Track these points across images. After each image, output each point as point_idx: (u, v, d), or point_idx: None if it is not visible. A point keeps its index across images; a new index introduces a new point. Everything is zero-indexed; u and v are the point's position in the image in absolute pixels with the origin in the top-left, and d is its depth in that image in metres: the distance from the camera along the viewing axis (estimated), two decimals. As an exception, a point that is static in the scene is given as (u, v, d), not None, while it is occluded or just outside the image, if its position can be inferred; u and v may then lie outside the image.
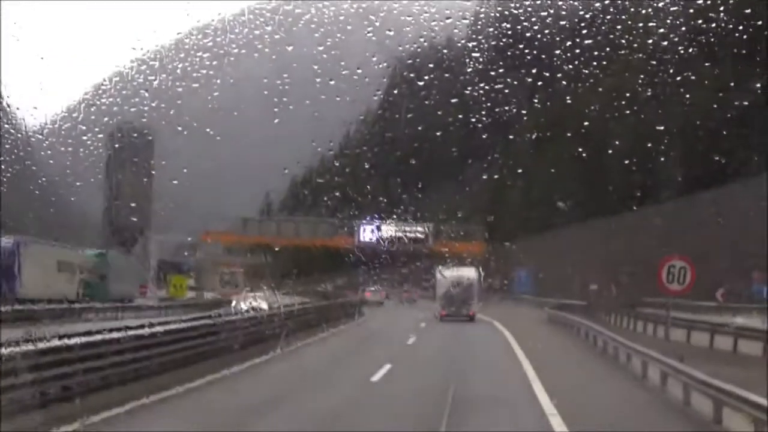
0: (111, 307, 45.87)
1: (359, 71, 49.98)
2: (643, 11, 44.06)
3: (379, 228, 73.77)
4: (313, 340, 34.34)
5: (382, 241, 72.44)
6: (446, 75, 47.15)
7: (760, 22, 38.24)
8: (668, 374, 19.20)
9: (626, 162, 47.18)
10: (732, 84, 42.16)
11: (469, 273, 54.63)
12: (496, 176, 62.34)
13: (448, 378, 21.89)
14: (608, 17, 45.35)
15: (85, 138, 62.12)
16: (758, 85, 40.18)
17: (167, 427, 15.15)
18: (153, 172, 68.80)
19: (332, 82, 43.58)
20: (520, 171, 61.73)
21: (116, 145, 65.63)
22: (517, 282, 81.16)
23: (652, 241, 55.08)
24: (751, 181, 44.20)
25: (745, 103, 40.79)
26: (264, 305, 38.68)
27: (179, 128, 61.72)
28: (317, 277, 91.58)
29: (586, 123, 47.08)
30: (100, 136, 60.97)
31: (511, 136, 61.07)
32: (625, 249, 60.05)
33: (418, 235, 73.94)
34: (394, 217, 71.20)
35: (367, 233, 74.83)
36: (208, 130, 64.35)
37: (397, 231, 72.94)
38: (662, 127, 43.17)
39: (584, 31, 41.68)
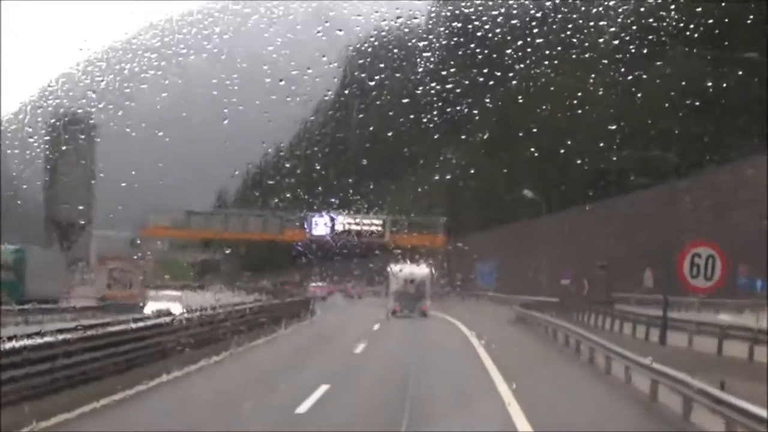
0: (33, 309, 41.61)
1: (309, 71, 49.36)
2: (594, 10, 43.92)
3: (332, 221, 71.60)
4: (238, 351, 27.72)
5: (336, 234, 70.48)
6: (397, 75, 46.78)
7: (710, 21, 38.23)
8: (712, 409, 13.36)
9: (578, 161, 47.13)
10: (683, 83, 42.17)
11: (421, 270, 54.72)
12: (448, 177, 62.24)
13: (398, 407, 16.48)
14: (559, 16, 45.26)
15: (31, 140, 61.19)
16: (709, 83, 40.17)
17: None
18: (101, 174, 67.85)
19: (282, 83, 42.97)
20: (472, 171, 61.50)
21: (62, 147, 63.93)
22: (479, 277, 79.42)
23: (613, 237, 56.29)
24: (705, 178, 44.35)
25: (696, 102, 40.79)
26: (177, 308, 35.73)
27: (127, 129, 60.95)
28: (273, 274, 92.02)
29: (538, 122, 46.96)
30: (47, 138, 60.07)
31: (463, 136, 60.95)
32: (589, 242, 59.30)
33: (374, 227, 72.71)
34: (348, 210, 68.57)
35: (320, 227, 72.08)
36: (157, 131, 63.48)
37: (351, 224, 71.74)
38: (614, 126, 43.07)
39: (536, 31, 41.47)
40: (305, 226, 72.35)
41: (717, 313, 41.01)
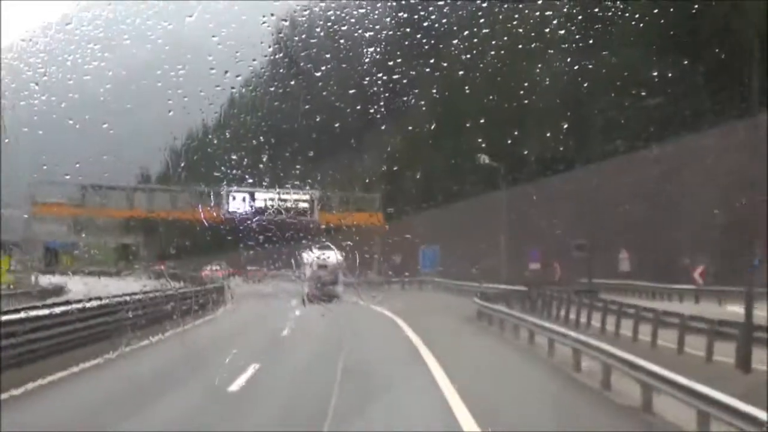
0: None
1: (254, 62, 49.11)
2: (540, 1, 44.04)
3: (251, 197, 65.12)
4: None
5: (255, 211, 63.16)
6: (344, 66, 46.55)
7: (656, 11, 38.45)
8: None
9: (525, 152, 47.28)
10: (626, 74, 42.41)
11: (335, 255, 56.15)
12: (395, 167, 62.23)
13: None
14: (505, 6, 45.28)
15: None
16: (654, 73, 40.43)
17: None
18: (44, 167, 66.81)
19: (228, 74, 42.57)
20: (418, 161, 61.70)
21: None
22: (422, 261, 71.34)
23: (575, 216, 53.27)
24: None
25: (643, 92, 41.04)
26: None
27: (71, 121, 60.07)
28: (199, 259, 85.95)
29: (485, 112, 46.97)
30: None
31: (410, 127, 60.83)
32: (550, 220, 53.71)
33: (301, 204, 66.39)
34: (269, 183, 60.64)
35: (236, 203, 65.31)
36: (101, 123, 62.74)
37: (273, 200, 64.30)
38: (565, 124, 43.26)
39: (482, 20, 41.47)
40: (220, 204, 65.11)
41: (720, 305, 36.41)
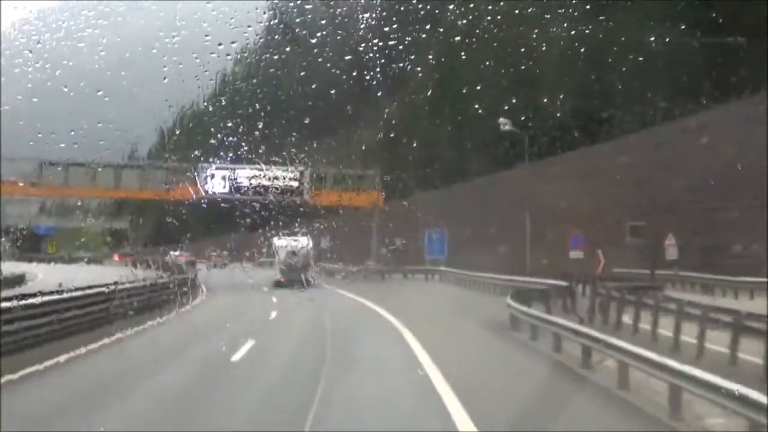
0: None
1: (250, 28, 48.87)
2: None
3: (232, 174, 58.65)
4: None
5: (237, 191, 58.09)
6: (339, 32, 46.22)
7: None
8: None
9: (522, 118, 47.00)
10: (623, 38, 42.12)
11: (305, 241, 57.76)
12: (391, 135, 61.38)
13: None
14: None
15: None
16: (652, 38, 40.15)
17: None
18: (39, 135, 66.53)
19: (221, 45, 42.29)
20: (414, 128, 61.09)
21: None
22: (427, 247, 61.81)
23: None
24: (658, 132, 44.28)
25: (640, 58, 40.76)
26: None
27: (65, 89, 59.77)
28: (189, 244, 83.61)
29: (482, 79, 46.71)
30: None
31: (407, 95, 60.42)
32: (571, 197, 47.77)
33: (290, 182, 58.34)
34: (262, 155, 52.83)
35: (216, 181, 58.95)
36: (96, 90, 62.50)
37: (259, 177, 57.84)
38: (557, 82, 43.00)
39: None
40: (196, 182, 58.70)
41: None
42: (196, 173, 58.96)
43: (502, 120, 46.47)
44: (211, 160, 58.12)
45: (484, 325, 28.45)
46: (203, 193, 58.21)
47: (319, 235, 66.46)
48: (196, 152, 59.45)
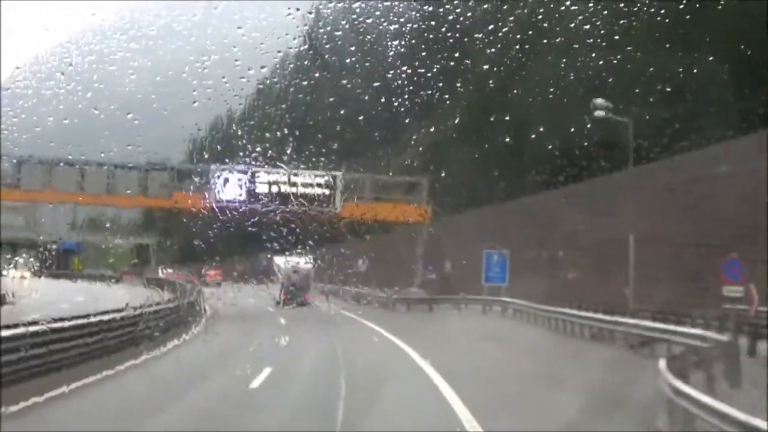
0: None
1: (280, 53, 49.35)
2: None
3: (252, 178, 50.07)
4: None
5: (256, 198, 49.52)
6: (368, 58, 46.62)
7: (681, 6, 38.23)
8: None
9: (549, 147, 47.07)
10: (651, 69, 42.19)
11: (306, 263, 56.41)
12: (416, 163, 60.53)
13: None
14: (530, 0, 45.22)
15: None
16: (680, 69, 40.17)
17: None
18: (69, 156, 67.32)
19: (251, 71, 42.86)
20: (444, 155, 60.80)
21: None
22: (486, 271, 50.98)
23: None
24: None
25: (668, 89, 40.79)
26: None
27: (95, 111, 60.45)
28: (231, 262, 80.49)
29: (509, 107, 46.88)
30: (15, 120, 59.63)
31: (434, 121, 60.48)
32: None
33: (319, 188, 51.07)
34: (276, 161, 46.87)
35: (229, 188, 50.21)
36: (127, 113, 63.25)
37: (281, 183, 50.39)
38: (586, 119, 42.97)
39: (507, 15, 41.46)
40: (208, 188, 50.27)
41: None
42: (208, 177, 51.49)
43: (599, 102, 38.96)
44: (226, 161, 52.56)
45: (606, 407, 16.48)
46: (214, 201, 48.91)
47: (355, 256, 60.42)
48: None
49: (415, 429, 14.83)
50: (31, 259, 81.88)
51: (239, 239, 67.51)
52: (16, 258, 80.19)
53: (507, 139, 47.99)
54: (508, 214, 55.25)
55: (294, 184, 50.87)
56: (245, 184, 50.74)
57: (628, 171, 41.13)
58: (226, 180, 50.59)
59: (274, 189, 50.88)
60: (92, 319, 23.70)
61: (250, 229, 48.67)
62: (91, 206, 67.33)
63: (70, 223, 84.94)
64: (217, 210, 47.32)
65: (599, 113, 39.12)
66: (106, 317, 24.76)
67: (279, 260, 58.47)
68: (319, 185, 51.49)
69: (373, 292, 56.74)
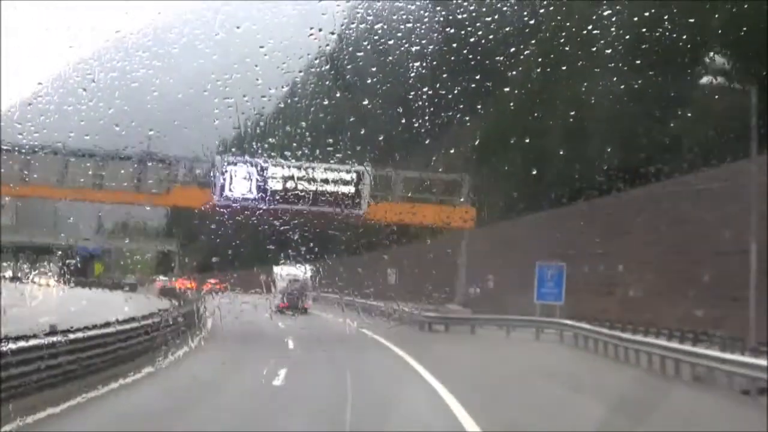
0: None
1: (301, 74, 49.60)
2: (587, 20, 43.94)
3: (262, 173, 44.96)
4: None
5: (266, 196, 44.16)
6: (389, 79, 46.74)
7: (704, 33, 38.22)
8: None
9: (568, 172, 47.05)
10: (672, 94, 42.15)
11: (304, 272, 55.88)
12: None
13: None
14: (552, 24, 45.27)
15: (20, 136, 61.07)
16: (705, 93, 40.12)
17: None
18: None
19: (272, 90, 43.13)
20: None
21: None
22: (539, 288, 44.88)
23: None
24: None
25: (689, 114, 40.73)
26: None
27: (116, 127, 60.72)
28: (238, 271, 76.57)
29: (530, 130, 46.91)
30: (36, 135, 59.95)
31: (452, 149, 59.78)
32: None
33: (342, 186, 45.84)
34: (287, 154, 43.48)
35: (238, 182, 44.97)
36: (149, 129, 63.51)
37: (301, 179, 45.39)
38: (608, 150, 42.96)
39: (529, 38, 41.50)
40: (213, 184, 45.65)
41: None
42: (214, 170, 46.06)
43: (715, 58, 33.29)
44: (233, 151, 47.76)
45: None
46: (217, 198, 44.56)
47: (384, 266, 56.09)
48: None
49: None
50: (51, 265, 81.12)
51: (255, 246, 65.63)
52: (37, 264, 79.64)
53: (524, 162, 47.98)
54: (558, 221, 49.79)
55: (313, 181, 45.81)
56: (256, 179, 45.25)
57: (703, 173, 38.46)
58: (234, 174, 45.42)
59: (290, 185, 45.28)
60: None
61: (264, 233, 46.34)
62: (104, 205, 62.17)
63: (94, 226, 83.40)
64: (223, 209, 44.28)
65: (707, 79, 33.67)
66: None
67: (277, 269, 59.07)
68: (342, 182, 45.99)
69: (405, 309, 49.62)
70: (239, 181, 45.42)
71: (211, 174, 46.51)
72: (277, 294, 57.76)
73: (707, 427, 17.64)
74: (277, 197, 45.09)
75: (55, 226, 78.45)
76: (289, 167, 45.51)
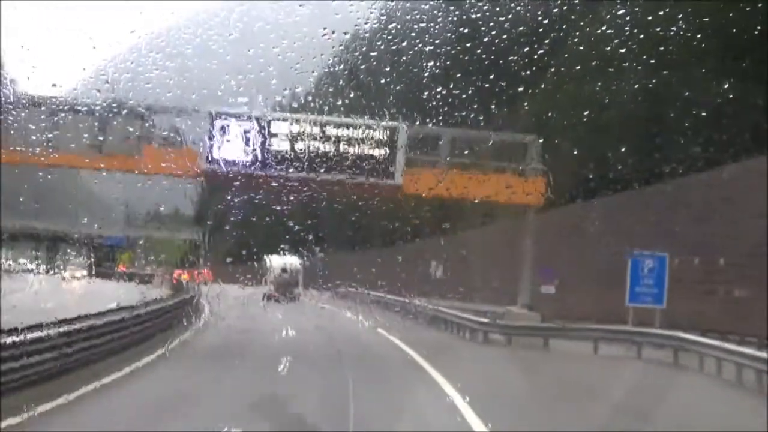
0: None
1: (314, 74, 49.62)
2: (601, 19, 43.88)
3: (265, 128, 35.89)
4: None
5: (268, 160, 35.18)
6: (403, 79, 46.74)
7: (719, 30, 38.12)
8: None
9: (583, 171, 46.92)
10: (687, 93, 42.05)
11: (296, 261, 57.68)
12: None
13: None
14: (565, 24, 45.20)
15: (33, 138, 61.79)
16: (719, 101, 40.03)
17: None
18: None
19: (287, 90, 43.17)
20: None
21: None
22: (632, 286, 34.42)
23: None
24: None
25: (703, 113, 40.60)
26: None
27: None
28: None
29: (543, 130, 46.81)
30: (50, 136, 60.44)
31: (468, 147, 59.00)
32: None
33: (369, 149, 36.22)
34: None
35: (233, 142, 35.92)
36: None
37: (314, 137, 35.92)
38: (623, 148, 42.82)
39: (542, 38, 41.43)
40: (203, 142, 36.81)
41: None
42: (202, 127, 37.29)
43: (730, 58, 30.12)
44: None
45: None
46: (204, 163, 35.94)
47: (424, 256, 47.88)
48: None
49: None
50: (74, 255, 79.28)
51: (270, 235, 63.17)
52: (60, 254, 77.99)
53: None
54: (641, 203, 42.22)
55: (329, 140, 36.32)
56: (256, 137, 36.24)
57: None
58: (225, 128, 36.32)
59: (299, 146, 36.04)
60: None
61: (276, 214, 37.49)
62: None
63: (123, 214, 79.65)
64: (213, 178, 36.18)
65: None
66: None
67: (270, 259, 59.57)
68: (369, 142, 36.48)
69: (452, 311, 40.96)
70: (234, 141, 36.57)
71: (202, 130, 37.31)
72: (267, 283, 58.87)
73: None
74: (284, 161, 36.13)
75: (76, 213, 75.92)
76: (298, 122, 37.30)
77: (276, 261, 59.24)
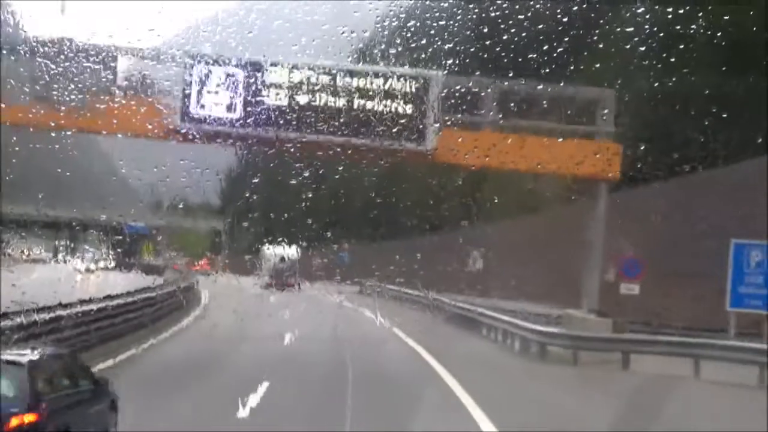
0: None
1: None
2: (620, 18, 43.87)
3: (258, 77, 29.42)
4: None
5: (262, 117, 28.72)
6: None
7: (737, 29, 38.04)
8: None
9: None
10: (706, 92, 41.95)
11: (293, 250, 59.10)
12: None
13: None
14: (585, 22, 45.16)
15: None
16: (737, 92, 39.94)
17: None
18: (123, 170, 67.99)
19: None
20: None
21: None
22: (734, 284, 27.85)
23: None
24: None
25: (723, 115, 40.48)
26: None
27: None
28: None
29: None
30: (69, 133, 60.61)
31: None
32: None
33: (393, 104, 29.68)
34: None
35: (216, 89, 29.43)
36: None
37: (323, 89, 29.26)
38: (643, 146, 42.67)
39: (561, 36, 41.39)
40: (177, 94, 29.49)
41: None
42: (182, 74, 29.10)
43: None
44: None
45: None
46: (179, 120, 29.05)
47: (462, 244, 39.81)
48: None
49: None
50: (93, 248, 76.57)
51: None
52: (77, 245, 76.14)
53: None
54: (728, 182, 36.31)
55: (341, 93, 29.21)
56: (245, 87, 29.29)
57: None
58: (208, 75, 28.80)
59: (303, 100, 29.16)
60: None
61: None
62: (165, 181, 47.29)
63: (149, 201, 75.76)
64: (190, 139, 28.49)
65: None
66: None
67: (268, 249, 61.56)
68: (394, 95, 29.27)
69: (496, 314, 33.80)
70: (218, 91, 29.52)
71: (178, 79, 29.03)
72: (264, 272, 59.83)
73: None
74: (281, 119, 29.24)
75: (101, 200, 73.62)
76: (300, 69, 30.41)
77: (273, 251, 60.57)
